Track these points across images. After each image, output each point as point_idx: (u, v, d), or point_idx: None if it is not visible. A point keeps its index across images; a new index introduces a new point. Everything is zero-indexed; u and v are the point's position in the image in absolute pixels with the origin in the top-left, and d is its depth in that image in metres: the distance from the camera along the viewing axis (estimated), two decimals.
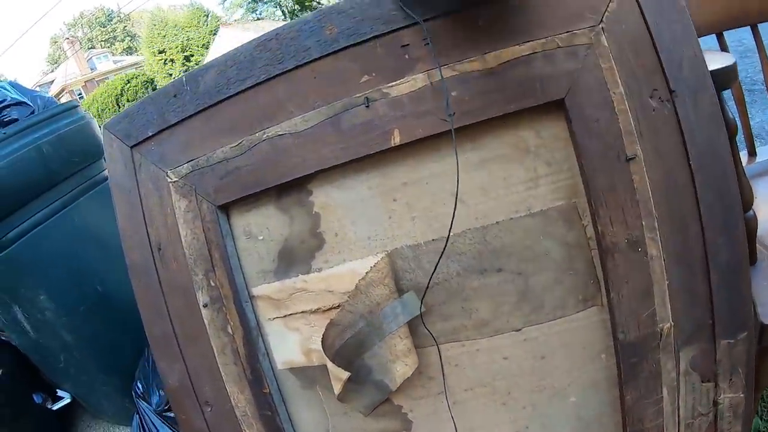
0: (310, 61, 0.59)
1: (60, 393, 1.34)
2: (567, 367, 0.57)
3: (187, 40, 25.20)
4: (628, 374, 0.54)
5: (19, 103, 1.12)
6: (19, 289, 1.11)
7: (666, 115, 0.53)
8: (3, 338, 1.30)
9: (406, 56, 0.56)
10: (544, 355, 0.57)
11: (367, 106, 0.56)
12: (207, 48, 23.99)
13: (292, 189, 0.60)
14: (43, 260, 1.13)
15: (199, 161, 0.62)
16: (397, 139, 0.55)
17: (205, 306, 0.62)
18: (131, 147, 0.67)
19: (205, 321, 0.62)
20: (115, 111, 19.69)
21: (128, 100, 20.30)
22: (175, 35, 25.09)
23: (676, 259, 0.53)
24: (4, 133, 1.06)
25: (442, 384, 0.58)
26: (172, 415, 0.97)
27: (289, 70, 0.59)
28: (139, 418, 1.02)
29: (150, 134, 0.66)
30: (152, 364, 1.02)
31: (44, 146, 1.12)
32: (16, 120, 1.10)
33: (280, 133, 0.59)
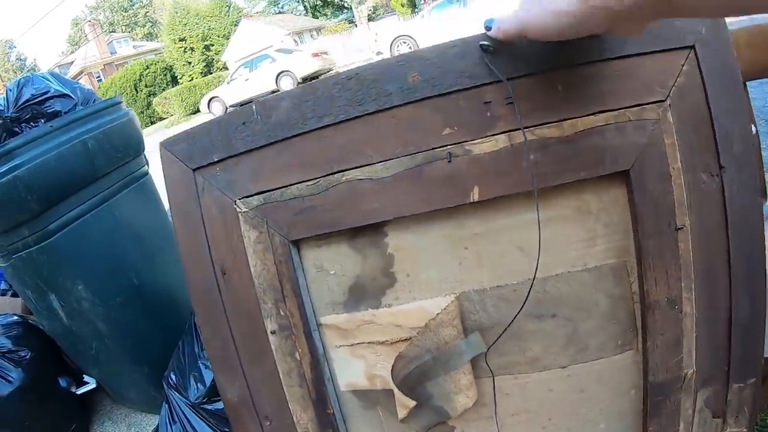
0: (392, 107, 0.60)
1: (86, 378, 1.36)
2: (601, 399, 0.65)
3: (208, 29, 24.19)
4: (653, 410, 0.63)
5: (62, 95, 1.07)
6: (57, 278, 1.11)
7: (714, 189, 0.59)
8: (31, 322, 1.29)
9: (488, 113, 0.59)
10: (583, 389, 0.65)
11: (449, 161, 0.59)
12: (227, 39, 23.29)
13: (367, 230, 0.63)
14: (83, 252, 1.14)
15: (272, 195, 0.63)
16: (476, 196, 0.59)
17: (273, 333, 0.65)
18: (194, 170, 0.67)
19: (273, 346, 0.66)
20: (133, 95, 19.29)
21: (146, 86, 19.94)
22: (197, 24, 24.03)
23: (705, 316, 0.61)
24: (51, 126, 1.04)
25: (493, 410, 0.65)
26: (210, 407, 1.00)
27: (369, 114, 0.61)
28: (169, 407, 1.05)
29: (215, 159, 0.66)
30: (188, 358, 1.04)
31: (90, 141, 1.11)
32: (59, 112, 1.06)
33: (359, 177, 0.61)
